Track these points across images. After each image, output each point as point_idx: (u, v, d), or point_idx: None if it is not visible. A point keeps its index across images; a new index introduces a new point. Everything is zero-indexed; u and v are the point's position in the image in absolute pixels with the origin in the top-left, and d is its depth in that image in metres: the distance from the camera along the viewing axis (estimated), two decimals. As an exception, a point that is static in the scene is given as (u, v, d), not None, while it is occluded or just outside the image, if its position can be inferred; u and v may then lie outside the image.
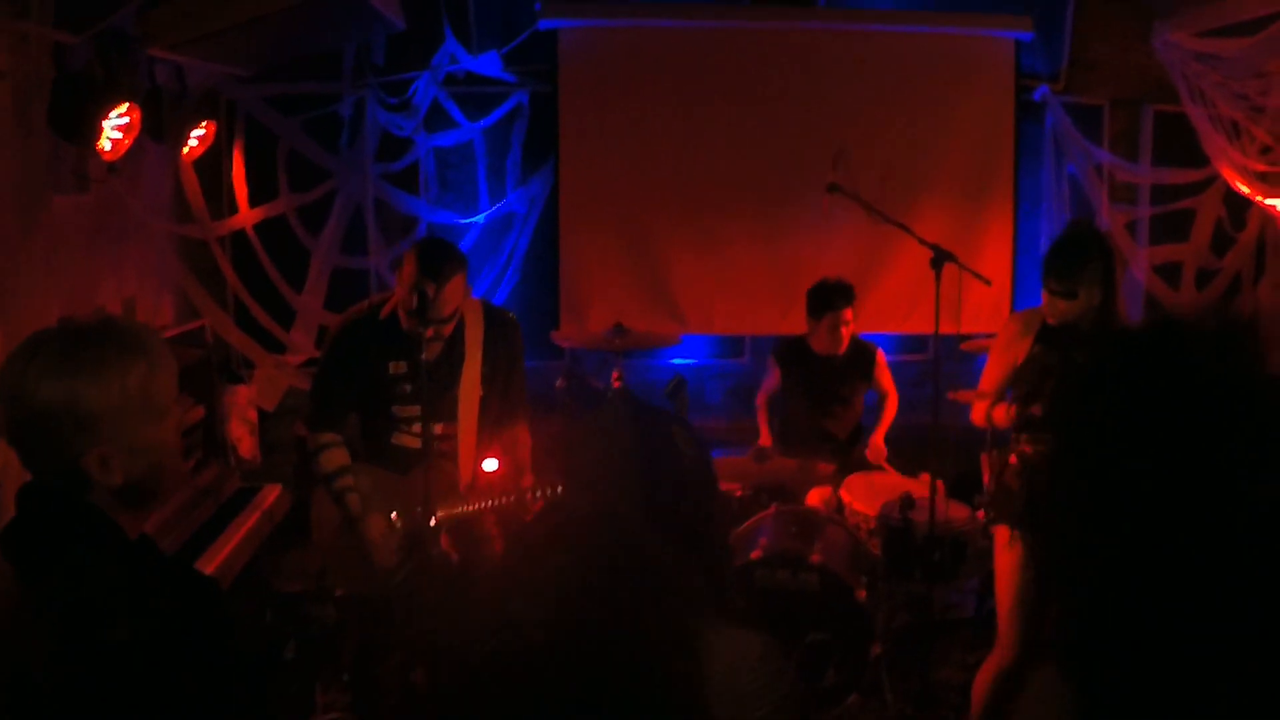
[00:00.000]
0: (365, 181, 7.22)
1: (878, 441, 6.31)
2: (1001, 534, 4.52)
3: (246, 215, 6.92)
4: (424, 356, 3.96)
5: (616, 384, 5.94)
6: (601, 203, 7.65)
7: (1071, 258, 4.43)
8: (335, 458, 4.19)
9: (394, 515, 4.16)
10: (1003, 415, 4.51)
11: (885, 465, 6.22)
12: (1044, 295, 4.47)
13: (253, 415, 6.60)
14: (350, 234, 7.31)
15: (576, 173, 7.59)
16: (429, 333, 3.92)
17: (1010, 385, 4.59)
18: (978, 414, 4.68)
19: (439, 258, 4.02)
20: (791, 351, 6.28)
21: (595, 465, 2.03)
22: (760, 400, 6.37)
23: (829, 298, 6.04)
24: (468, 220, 7.56)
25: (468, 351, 4.23)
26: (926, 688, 5.23)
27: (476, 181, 7.63)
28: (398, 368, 4.18)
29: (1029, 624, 4.38)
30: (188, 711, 1.92)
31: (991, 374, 4.68)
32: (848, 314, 6.05)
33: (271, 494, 5.35)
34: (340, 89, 7.08)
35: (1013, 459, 4.50)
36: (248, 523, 4.94)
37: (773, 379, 6.32)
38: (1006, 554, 4.49)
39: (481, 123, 7.47)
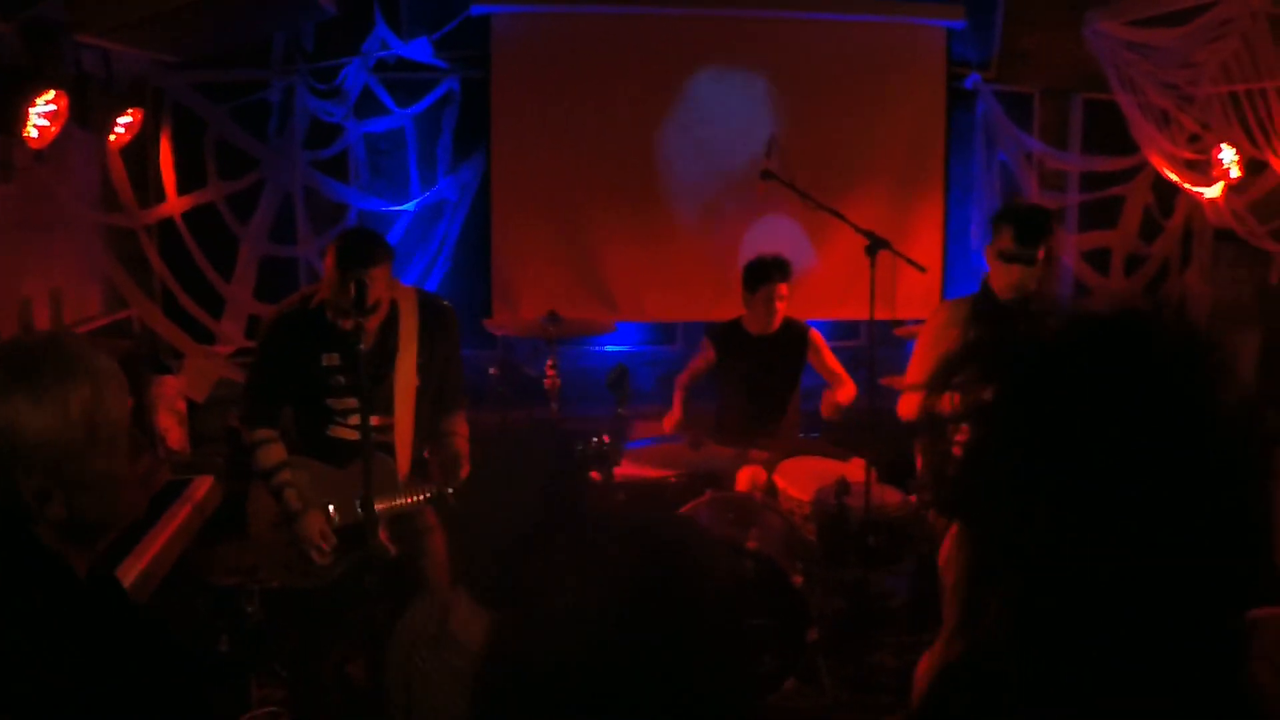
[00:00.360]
0: (294, 169, 7.12)
1: (834, 398, 6.19)
2: (943, 525, 4.49)
3: (174, 203, 6.80)
4: (361, 347, 3.93)
5: (550, 372, 5.91)
6: (534, 190, 7.61)
7: (1036, 221, 4.37)
8: (272, 454, 4.13)
9: (331, 510, 4.12)
10: (944, 404, 4.50)
11: (833, 416, 6.14)
12: (995, 264, 4.39)
13: (181, 406, 6.51)
14: (280, 222, 7.21)
15: (508, 160, 7.54)
16: (348, 324, 3.85)
17: (947, 374, 4.59)
18: (907, 406, 4.58)
19: (368, 245, 3.97)
20: (726, 332, 6.28)
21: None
22: (682, 380, 6.26)
23: (766, 270, 6.05)
24: (398, 207, 7.50)
25: (402, 341, 4.17)
26: (863, 673, 5.27)
27: (407, 168, 7.57)
28: (331, 360, 4.11)
29: (973, 614, 4.36)
30: None
31: (923, 364, 4.59)
32: (783, 289, 6.05)
33: (203, 486, 5.26)
34: (269, 76, 6.99)
35: (956, 450, 4.45)
36: (179, 516, 4.86)
37: (702, 360, 6.27)
38: (950, 544, 4.47)
39: (412, 109, 7.39)
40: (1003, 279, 4.36)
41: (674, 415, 6.08)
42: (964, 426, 4.43)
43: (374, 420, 4.01)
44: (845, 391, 6.20)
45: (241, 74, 6.99)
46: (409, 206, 7.50)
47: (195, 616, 4.91)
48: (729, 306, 6.32)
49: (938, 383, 3.79)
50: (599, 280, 7.73)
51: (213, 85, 6.92)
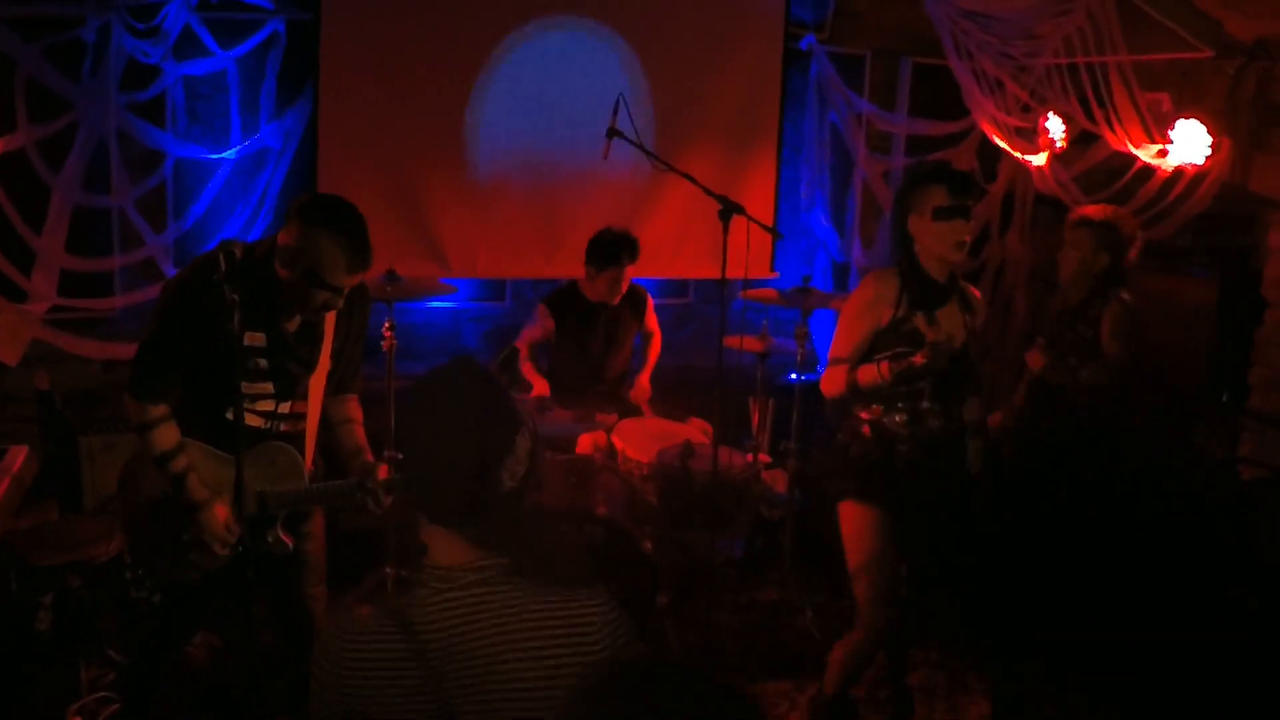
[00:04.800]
0: (108, 112, 6.71)
1: (644, 382, 6.33)
2: (853, 510, 4.28)
3: (-21, 150, 6.35)
4: (288, 328, 3.68)
5: (388, 333, 5.76)
6: (362, 139, 7.31)
7: (964, 174, 4.09)
8: (168, 435, 3.61)
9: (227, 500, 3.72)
10: (873, 375, 4.10)
11: (646, 407, 6.24)
12: (926, 227, 4.06)
13: (-11, 370, 6.13)
14: (93, 170, 6.77)
15: (336, 108, 7.23)
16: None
17: (874, 349, 4.19)
18: (834, 381, 4.23)
19: (367, 245, 3.64)
20: (565, 300, 6.19)
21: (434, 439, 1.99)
22: (522, 352, 6.17)
23: (615, 253, 5.97)
24: (218, 155, 7.12)
25: (325, 324, 3.80)
26: (707, 635, 5.29)
27: (228, 114, 7.17)
28: (255, 338, 3.65)
29: (888, 597, 4.22)
30: None
31: (850, 338, 4.24)
32: (630, 270, 6.02)
33: (19, 456, 4.79)
34: (84, 12, 6.52)
35: (866, 430, 4.25)
36: (-2, 491, 4.51)
37: (539, 329, 6.17)
38: (859, 530, 4.25)
39: (235, 51, 6.99)
40: (942, 240, 4.03)
41: (542, 388, 6.00)
42: (873, 406, 4.49)
43: (286, 408, 3.76)
44: (652, 354, 6.42)
45: (54, 10, 6.52)
46: (229, 154, 7.13)
47: (8, 593, 4.63)
48: (562, 264, 6.22)
49: (861, 357, 3.99)
50: (430, 235, 7.50)
51: (23, 21, 6.43)
